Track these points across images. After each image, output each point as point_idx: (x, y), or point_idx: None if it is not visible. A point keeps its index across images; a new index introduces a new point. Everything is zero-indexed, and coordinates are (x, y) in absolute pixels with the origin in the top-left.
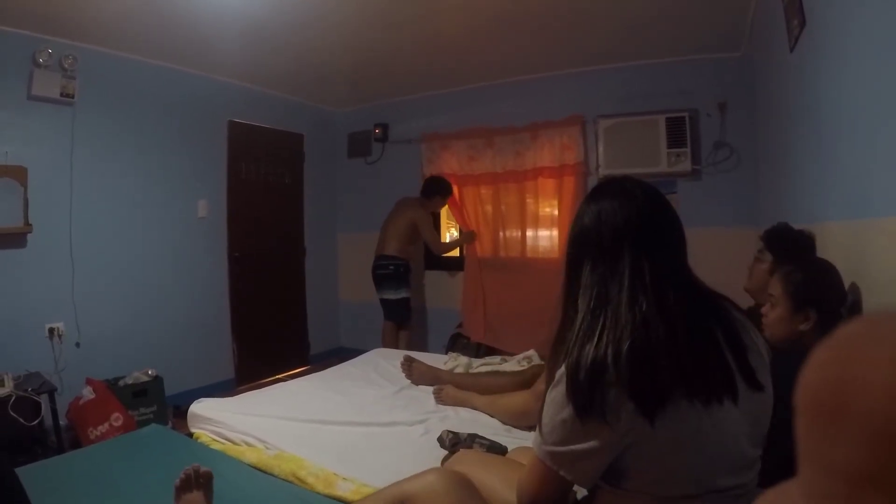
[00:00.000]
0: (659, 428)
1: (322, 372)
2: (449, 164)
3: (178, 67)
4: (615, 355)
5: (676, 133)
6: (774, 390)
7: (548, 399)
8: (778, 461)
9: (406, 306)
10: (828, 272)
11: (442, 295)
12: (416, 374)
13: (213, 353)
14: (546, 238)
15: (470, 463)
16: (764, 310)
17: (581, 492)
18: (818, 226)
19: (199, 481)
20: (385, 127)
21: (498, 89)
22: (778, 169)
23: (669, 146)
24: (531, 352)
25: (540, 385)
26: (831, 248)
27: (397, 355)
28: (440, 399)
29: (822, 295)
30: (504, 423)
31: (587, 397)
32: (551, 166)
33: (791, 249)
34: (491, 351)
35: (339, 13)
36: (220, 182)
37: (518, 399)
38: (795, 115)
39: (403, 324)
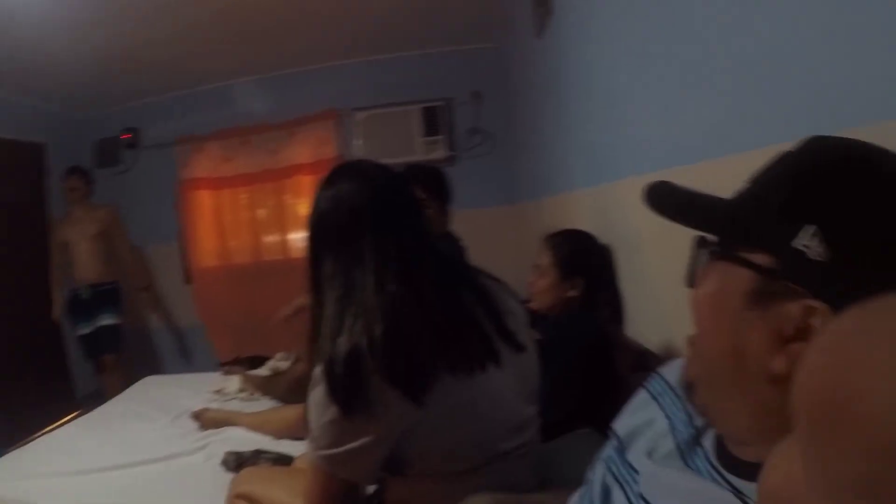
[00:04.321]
0: (429, 408)
1: (88, 415)
2: (204, 167)
3: None
4: (370, 342)
5: (432, 122)
6: (545, 353)
7: (310, 402)
8: (557, 418)
9: None
10: (591, 241)
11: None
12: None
13: None
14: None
15: (253, 481)
16: (531, 279)
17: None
18: (568, 194)
19: None
20: (136, 132)
21: (253, 85)
22: (530, 148)
23: (426, 135)
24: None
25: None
26: (581, 212)
27: (167, 382)
28: (202, 425)
29: (587, 263)
30: (278, 438)
31: (349, 392)
32: (308, 162)
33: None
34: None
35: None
36: None
37: (290, 413)
38: (543, 97)
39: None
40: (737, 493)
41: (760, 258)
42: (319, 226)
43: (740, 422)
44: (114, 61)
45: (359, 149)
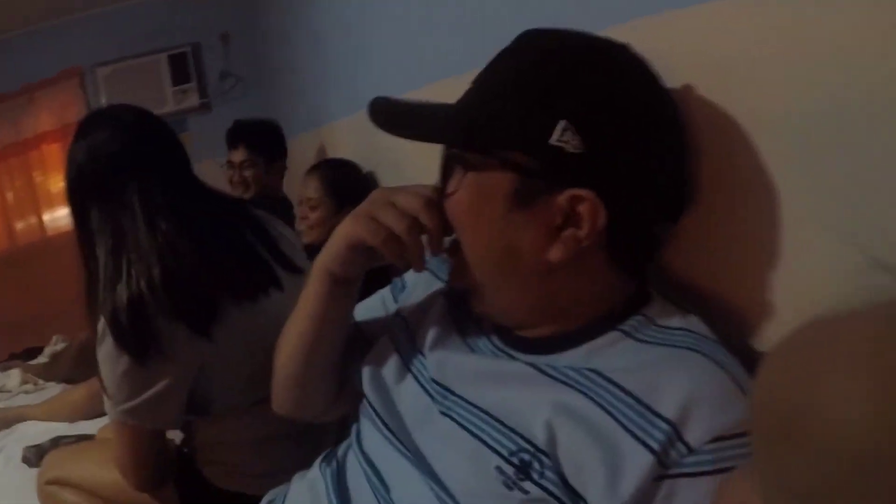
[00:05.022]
0: (220, 341)
1: None
2: None
3: None
4: (149, 285)
5: (180, 70)
6: None
7: (99, 358)
8: None
9: None
10: (354, 168)
11: None
12: None
13: None
14: (64, 209)
15: (61, 464)
16: (303, 213)
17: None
18: (325, 128)
19: None
20: None
21: None
22: (283, 88)
23: (174, 84)
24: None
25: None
26: (340, 145)
27: None
28: None
29: (355, 189)
30: (73, 422)
31: (138, 339)
32: (54, 129)
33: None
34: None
35: None
36: None
37: (78, 393)
38: (295, 35)
39: None
40: (529, 364)
41: (518, 159)
42: (78, 179)
43: (521, 311)
44: None
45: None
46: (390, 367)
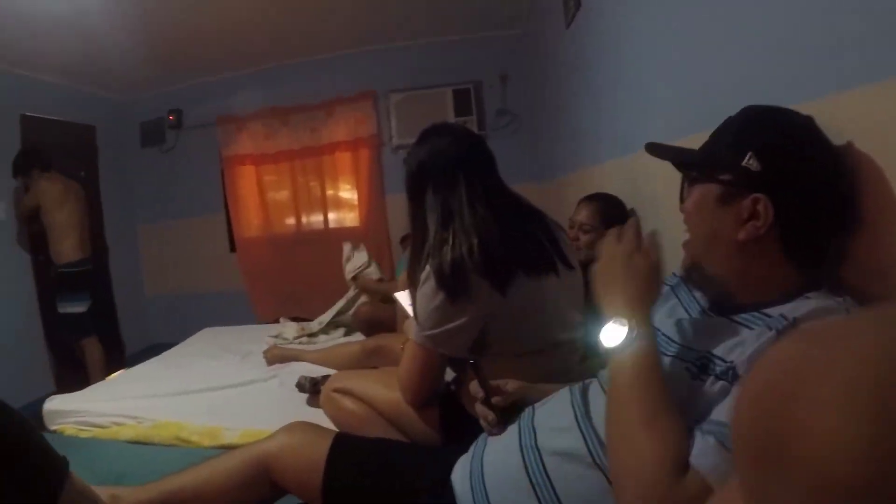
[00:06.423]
0: (510, 298)
1: (159, 357)
2: (245, 145)
3: None
4: (469, 250)
5: (463, 103)
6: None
7: (419, 295)
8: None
9: None
10: (621, 203)
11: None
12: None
13: (28, 369)
14: (347, 208)
15: (346, 378)
16: (573, 235)
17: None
18: (596, 167)
19: None
20: (179, 113)
21: (292, 68)
22: (555, 128)
23: (456, 115)
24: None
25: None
26: (608, 183)
27: (229, 332)
28: (268, 360)
29: (621, 221)
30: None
31: (454, 284)
32: (347, 140)
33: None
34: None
35: None
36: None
37: (354, 347)
38: (570, 80)
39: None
40: (728, 318)
41: (724, 175)
42: (419, 171)
43: (723, 279)
44: (159, 45)
45: (394, 129)
46: None
